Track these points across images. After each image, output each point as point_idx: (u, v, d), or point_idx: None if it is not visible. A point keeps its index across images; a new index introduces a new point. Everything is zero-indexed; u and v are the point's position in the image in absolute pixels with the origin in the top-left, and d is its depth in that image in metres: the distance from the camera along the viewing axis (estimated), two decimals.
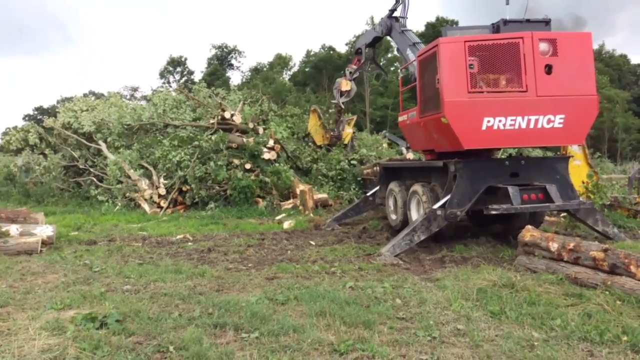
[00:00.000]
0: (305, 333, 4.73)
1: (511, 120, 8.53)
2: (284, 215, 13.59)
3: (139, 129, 18.84)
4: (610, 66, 64.44)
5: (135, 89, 71.90)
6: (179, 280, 6.93)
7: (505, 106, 8.55)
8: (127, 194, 15.64)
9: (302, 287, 6.41)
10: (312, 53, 72.34)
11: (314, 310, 5.37)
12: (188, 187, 15.11)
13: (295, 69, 76.37)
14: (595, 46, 68.87)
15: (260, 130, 17.41)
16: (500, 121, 8.53)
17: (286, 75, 75.61)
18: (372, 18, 68.40)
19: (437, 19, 61.63)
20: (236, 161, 15.50)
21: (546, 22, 9.16)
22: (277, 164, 15.78)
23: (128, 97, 64.77)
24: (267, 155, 15.91)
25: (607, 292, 5.70)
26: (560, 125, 8.55)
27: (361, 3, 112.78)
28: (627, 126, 55.09)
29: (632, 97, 59.60)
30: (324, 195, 15.33)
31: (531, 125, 8.54)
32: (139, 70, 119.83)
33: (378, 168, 13.35)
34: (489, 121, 8.53)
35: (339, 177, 16.88)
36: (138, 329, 4.91)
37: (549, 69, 8.51)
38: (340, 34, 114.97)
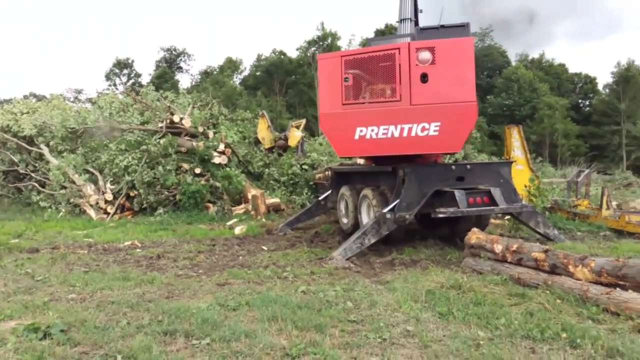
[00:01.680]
0: (257, 338, 4.72)
1: (384, 129, 8.87)
2: (235, 220, 13.48)
3: (84, 133, 18.24)
4: (550, 74, 67.37)
5: (79, 91, 69.57)
6: (127, 288, 6.76)
7: (378, 116, 8.92)
8: (72, 200, 15.12)
9: (253, 293, 6.39)
10: (263, 57, 72.19)
11: (265, 315, 5.36)
12: (136, 192, 14.76)
13: (246, 72, 76.02)
14: (535, 55, 72.00)
15: (211, 134, 17.21)
16: (372, 130, 8.93)
17: (237, 79, 75.08)
18: (322, 24, 69.09)
19: (386, 26, 62.73)
20: (186, 166, 15.25)
21: (463, 27, 9.32)
22: (228, 169, 15.64)
23: (72, 99, 62.59)
24: (218, 159, 15.74)
25: (547, 291, 5.96)
26: (436, 133, 8.61)
27: (312, 9, 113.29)
28: (566, 132, 57.68)
29: (570, 105, 62.49)
30: (276, 200, 15.30)
31: (405, 134, 8.76)
32: (84, 72, 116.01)
33: (330, 172, 13.45)
34: (361, 131, 8.99)
35: (291, 182, 16.89)
36: (84, 339, 4.76)
37: (424, 77, 8.61)
38: (291, 39, 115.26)
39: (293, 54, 68.87)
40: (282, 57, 67.99)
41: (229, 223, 13.13)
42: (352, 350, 4.50)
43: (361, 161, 13.25)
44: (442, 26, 9.62)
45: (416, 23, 11.18)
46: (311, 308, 5.66)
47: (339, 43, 65.77)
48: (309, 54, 65.88)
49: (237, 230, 11.86)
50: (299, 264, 8.30)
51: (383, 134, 8.90)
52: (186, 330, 4.96)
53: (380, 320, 5.25)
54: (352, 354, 4.43)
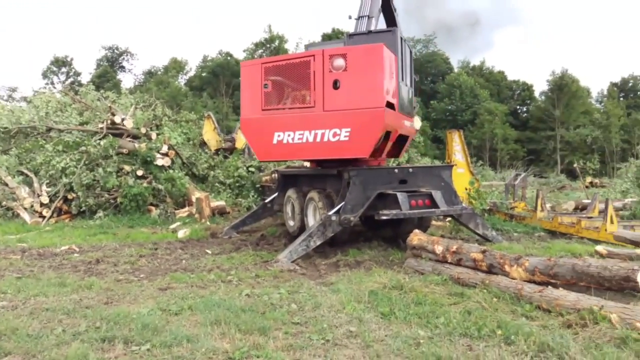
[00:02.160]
0: (199, 343, 4.65)
1: (299, 134, 9.12)
2: (178, 223, 13.22)
3: (18, 133, 17.41)
4: (490, 81, 69.95)
5: (13, 89, 66.20)
6: (63, 294, 6.49)
7: (294, 122, 9.18)
8: (4, 203, 14.38)
9: (196, 297, 6.28)
10: (209, 58, 71.27)
11: (208, 319, 5.29)
12: (74, 195, 14.21)
13: (192, 73, 74.86)
14: (476, 62, 74.51)
15: (154, 136, 16.83)
16: (289, 135, 9.20)
17: (182, 80, 73.82)
18: (269, 26, 68.92)
19: (333, 30, 63.31)
20: (127, 167, 14.84)
21: (390, 32, 9.60)
22: (171, 171, 15.32)
23: (5, 97, 59.54)
24: (161, 161, 15.39)
25: (485, 290, 6.18)
26: (346, 138, 8.76)
27: (259, 11, 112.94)
28: (505, 137, 60.01)
29: (509, 110, 65.08)
30: (222, 203, 15.12)
31: (318, 139, 8.97)
32: (18, 69, 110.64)
33: (276, 175, 13.42)
34: (279, 136, 9.29)
35: (236, 184, 16.72)
36: (15, 348, 4.54)
37: (335, 84, 8.83)
38: (238, 41, 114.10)
39: (240, 55, 68.46)
40: (229, 58, 67.37)
41: (172, 226, 12.86)
42: (295, 352, 4.51)
43: (307, 164, 13.31)
44: (370, 32, 9.88)
45: (392, 22, 11.54)
46: (255, 311, 5.64)
47: (287, 46, 65.85)
48: (256, 56, 65.55)
49: (181, 234, 11.64)
50: (244, 267, 8.23)
51: (299, 139, 9.14)
52: (125, 336, 4.82)
53: (323, 321, 5.29)
54: (295, 356, 4.45)
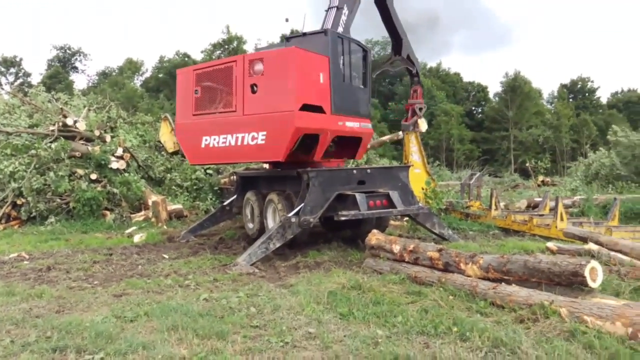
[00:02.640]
0: (155, 349, 4.56)
1: (223, 138, 9.37)
2: (134, 228, 12.93)
3: None
4: (447, 83, 71.37)
5: None
6: (11, 304, 6.24)
7: (219, 126, 9.45)
8: None
9: (153, 303, 6.16)
10: (165, 59, 70.06)
11: (165, 325, 5.20)
12: (24, 200, 13.69)
13: (148, 74, 73.38)
14: (433, 64, 75.92)
15: (108, 138, 16.38)
16: (214, 139, 9.48)
17: (138, 81, 72.27)
18: (228, 27, 68.31)
19: (292, 31, 63.24)
20: (80, 171, 14.39)
21: (323, 33, 9.74)
22: (126, 174, 14.95)
23: None
24: (116, 164, 15.00)
25: (441, 289, 6.31)
26: (263, 142, 8.89)
27: (217, 11, 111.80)
28: (461, 137, 61.35)
29: (465, 112, 66.57)
30: (179, 206, 14.87)
31: (239, 143, 9.16)
32: None
33: (235, 177, 13.30)
34: (206, 140, 9.61)
35: (194, 187, 16.48)
36: None
37: (253, 88, 9.00)
38: (196, 41, 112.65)
39: (198, 56, 67.54)
40: (187, 59, 66.37)
41: (127, 231, 12.57)
42: (254, 355, 4.48)
43: (267, 165, 13.26)
44: (304, 34, 10.00)
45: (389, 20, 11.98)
46: (213, 315, 5.57)
47: (245, 47, 65.41)
48: (214, 57, 64.84)
49: (137, 239, 11.39)
50: (202, 272, 8.13)
51: (222, 142, 9.37)
52: (78, 345, 4.68)
53: (283, 324, 5.28)
54: (254, 359, 4.42)
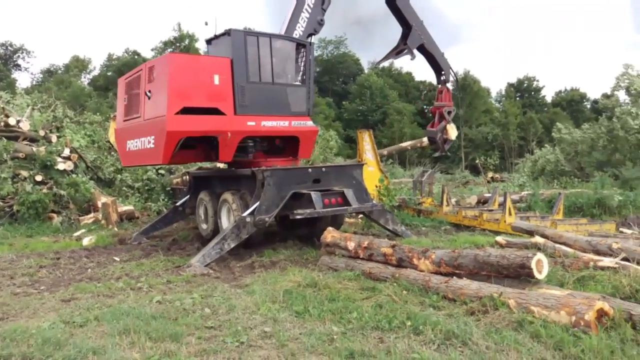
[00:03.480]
0: (106, 354, 4.44)
1: (135, 142, 9.98)
2: (83, 231, 12.53)
3: None
4: (399, 82, 72.41)
5: None
6: None
7: (133, 131, 10.07)
8: None
9: (103, 307, 6.00)
10: (114, 57, 68.17)
11: (116, 329, 5.07)
12: None
13: (96, 72, 71.14)
14: (385, 64, 76.92)
15: (54, 139, 15.80)
16: (132, 143, 10.14)
17: (85, 79, 69.95)
18: (179, 25, 67.08)
19: (245, 29, 62.65)
20: (24, 173, 13.82)
21: (226, 34, 9.90)
22: (74, 175, 14.47)
23: None
24: (63, 165, 14.48)
25: (395, 284, 6.41)
26: (153, 146, 9.31)
27: (168, 8, 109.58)
28: (413, 136, 62.29)
29: (416, 110, 67.71)
30: (130, 208, 14.51)
31: (143, 146, 9.70)
32: None
33: (188, 177, 13.09)
34: (129, 143, 10.28)
35: (146, 188, 16.12)
36: None
37: (148, 94, 9.45)
38: (146, 39, 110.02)
39: (148, 54, 65.93)
40: (136, 57, 64.70)
41: (76, 234, 12.17)
42: (209, 356, 4.44)
43: (221, 165, 13.11)
44: (216, 36, 10.23)
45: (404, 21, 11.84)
46: (167, 318, 5.47)
47: (197, 45, 64.37)
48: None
49: (86, 241, 11.04)
50: (155, 274, 7.96)
51: (135, 146, 9.99)
52: (24, 353, 4.50)
53: (238, 324, 5.24)
54: None
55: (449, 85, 13.39)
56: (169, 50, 64.28)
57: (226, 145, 9.38)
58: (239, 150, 9.83)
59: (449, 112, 13.10)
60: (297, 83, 10.45)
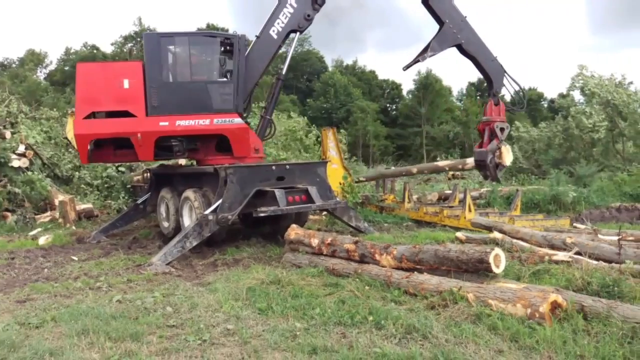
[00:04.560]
0: (64, 355, 4.35)
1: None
2: (39, 229, 12.16)
3: None
4: (362, 80, 72.86)
5: None
6: None
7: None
8: None
9: (61, 307, 5.87)
10: (72, 51, 66.29)
11: (75, 329, 4.96)
12: None
13: (53, 67, 69.01)
14: (349, 62, 77.25)
15: (8, 135, 15.23)
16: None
17: (41, 74, 67.76)
18: (139, 19, 65.73)
19: (208, 25, 62.02)
20: None
21: (144, 35, 10.16)
22: (30, 173, 14.03)
23: None
24: (17, 162, 14.01)
25: (358, 279, 6.49)
26: (76, 146, 10.07)
27: (128, 1, 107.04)
28: (376, 133, 62.85)
29: (380, 108, 68.29)
30: (89, 206, 14.17)
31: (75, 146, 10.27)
32: None
33: (149, 174, 12.87)
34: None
35: (105, 185, 15.78)
36: None
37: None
38: (105, 33, 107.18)
39: (108, 49, 64.41)
40: (95, 51, 63.13)
41: (31, 233, 11.81)
42: (170, 355, 4.40)
43: (183, 162, 12.95)
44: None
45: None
46: (127, 317, 5.40)
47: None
48: (125, 50, 62.12)
49: (42, 241, 10.73)
50: (115, 273, 7.82)
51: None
52: None
53: (200, 322, 5.21)
54: (171, 359, 4.33)
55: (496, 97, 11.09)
56: (129, 45, 62.97)
57: (140, 146, 9.63)
58: (166, 150, 9.98)
59: (502, 129, 10.81)
60: (223, 79, 10.09)
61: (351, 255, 7.03)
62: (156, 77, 9.64)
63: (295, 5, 10.38)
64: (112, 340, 4.70)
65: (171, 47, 9.93)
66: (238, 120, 9.98)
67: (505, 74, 11.05)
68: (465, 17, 10.66)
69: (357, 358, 4.16)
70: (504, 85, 11.13)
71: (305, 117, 25.50)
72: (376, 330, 4.84)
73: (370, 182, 17.55)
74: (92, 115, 9.58)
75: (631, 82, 26.17)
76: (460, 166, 14.80)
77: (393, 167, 17.94)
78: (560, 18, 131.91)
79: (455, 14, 10.63)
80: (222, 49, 10.10)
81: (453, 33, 10.60)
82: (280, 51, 11.48)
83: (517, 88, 11.32)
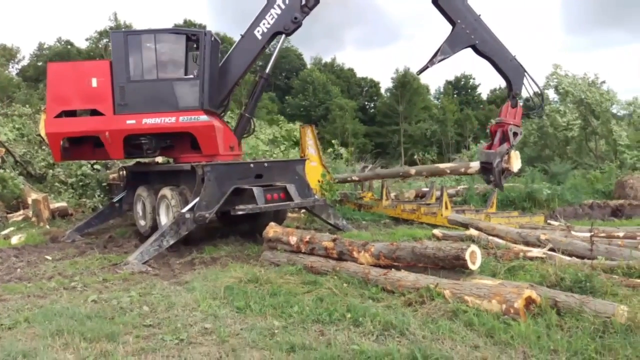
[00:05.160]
0: (38, 357, 4.28)
1: None
2: (12, 229, 11.91)
3: None
4: (341, 78, 72.96)
5: None
6: None
7: None
8: None
9: (34, 307, 5.78)
10: (45, 46, 65.01)
11: (49, 330, 4.89)
12: None
13: (25, 62, 67.54)
14: (328, 59, 77.30)
15: None
16: None
17: (13, 69, 66.25)
18: (115, 14, 64.74)
19: (185, 21, 61.39)
20: None
21: (111, 33, 10.49)
22: (1, 170, 13.74)
23: None
24: None
25: (336, 277, 6.51)
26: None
27: None
28: (355, 131, 63.06)
29: (358, 106, 68.49)
30: (63, 204, 13.92)
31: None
32: None
33: (124, 172, 12.71)
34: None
35: (80, 184, 15.51)
36: None
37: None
38: (80, 28, 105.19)
39: (82, 44, 63.30)
40: (70, 47, 61.99)
41: (3, 232, 11.56)
42: (147, 355, 4.36)
43: (160, 159, 12.81)
44: None
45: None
46: (103, 317, 5.33)
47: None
48: (100, 45, 61.07)
49: (15, 240, 10.51)
50: (90, 272, 7.70)
51: None
52: None
53: (177, 321, 5.17)
54: (148, 358, 4.29)
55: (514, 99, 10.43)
56: (104, 40, 61.93)
57: (110, 144, 9.65)
58: (137, 148, 10.01)
59: (515, 134, 10.17)
60: (189, 77, 9.95)
61: (329, 253, 7.05)
62: (123, 75, 9.61)
63: (282, 7, 10.19)
64: (87, 341, 4.64)
65: (137, 45, 9.74)
66: (204, 117, 9.72)
67: (526, 75, 10.43)
68: (479, 15, 10.05)
69: (335, 355, 4.17)
70: (524, 85, 10.48)
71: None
72: (354, 328, 4.87)
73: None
74: (63, 114, 9.59)
75: (604, 82, 26.66)
76: (462, 169, 14.14)
77: (371, 166, 18.00)
78: (535, 18, 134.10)
79: (467, 13, 9.99)
80: (189, 45, 10.02)
81: (466, 34, 9.98)
82: (266, 51, 11.37)
83: (537, 90, 10.83)
